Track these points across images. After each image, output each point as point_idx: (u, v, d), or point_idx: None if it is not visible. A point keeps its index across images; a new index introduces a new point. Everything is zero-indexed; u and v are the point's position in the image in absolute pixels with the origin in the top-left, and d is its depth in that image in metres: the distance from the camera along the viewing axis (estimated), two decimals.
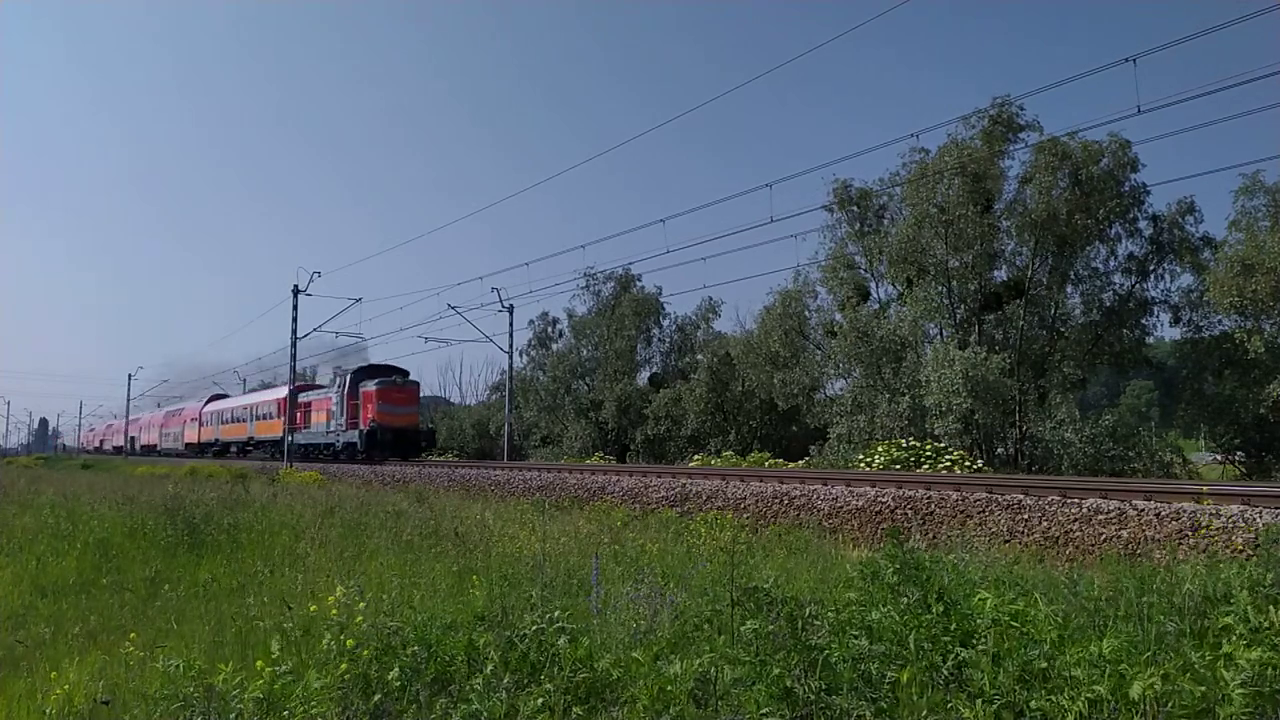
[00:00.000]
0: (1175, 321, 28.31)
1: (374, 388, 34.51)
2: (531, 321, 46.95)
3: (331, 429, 37.34)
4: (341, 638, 4.26)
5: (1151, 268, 27.93)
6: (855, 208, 31.35)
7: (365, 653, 4.11)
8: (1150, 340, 30.26)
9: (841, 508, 13.06)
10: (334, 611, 4.61)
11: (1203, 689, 3.13)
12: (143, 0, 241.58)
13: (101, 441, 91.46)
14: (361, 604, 4.75)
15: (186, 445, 58.23)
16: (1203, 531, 8.68)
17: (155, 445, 67.98)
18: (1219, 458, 29.08)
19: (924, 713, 3.42)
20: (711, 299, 42.58)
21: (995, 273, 28.80)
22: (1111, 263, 28.32)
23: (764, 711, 3.39)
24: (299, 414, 39.59)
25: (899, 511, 12.28)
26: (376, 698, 3.89)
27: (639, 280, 43.40)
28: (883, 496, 12.82)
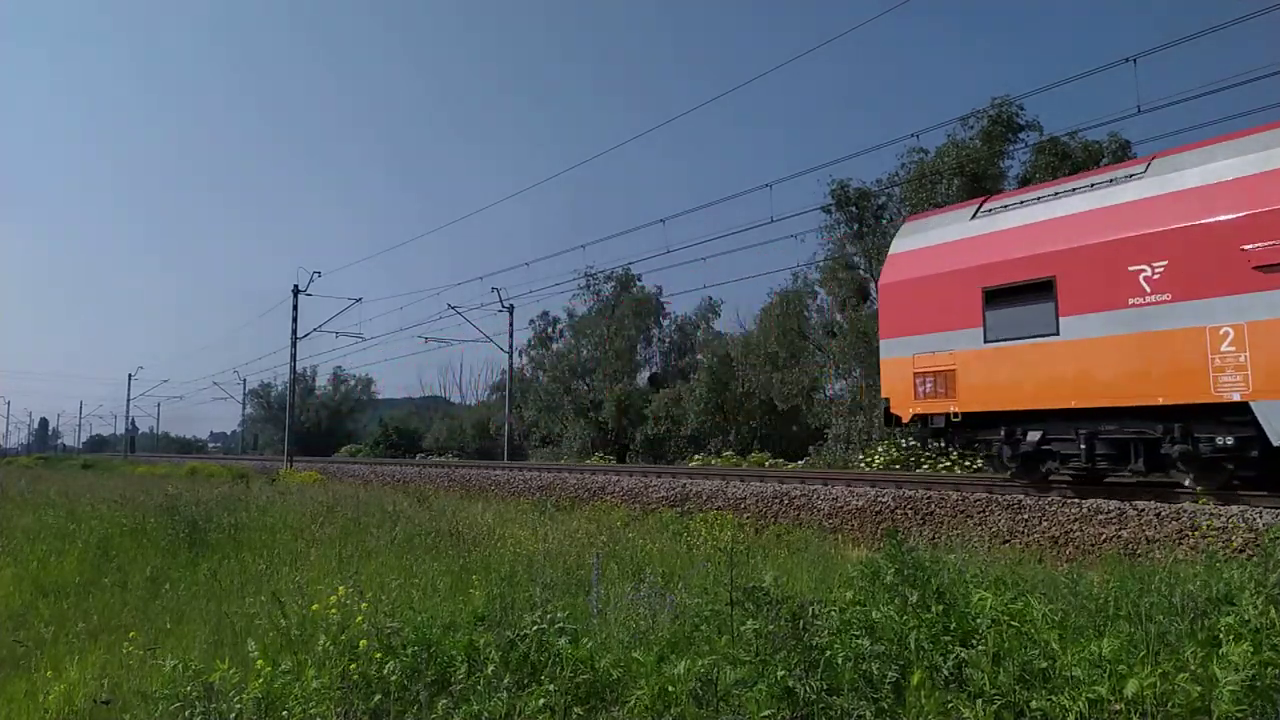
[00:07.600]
0: None
1: None
2: (532, 321, 47.03)
3: None
4: (342, 638, 4.25)
5: None
6: (854, 208, 31.30)
7: (376, 654, 4.08)
8: None
9: (842, 508, 13.05)
10: (333, 611, 4.59)
11: (1200, 688, 3.13)
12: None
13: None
14: (364, 605, 4.74)
15: None
16: (1202, 530, 8.68)
17: None
18: None
19: (926, 713, 3.42)
20: (711, 299, 42.68)
21: None
22: None
23: (765, 712, 3.39)
24: None
25: (899, 511, 12.27)
26: (376, 698, 3.89)
27: (639, 280, 43.44)
28: (883, 496, 12.81)
